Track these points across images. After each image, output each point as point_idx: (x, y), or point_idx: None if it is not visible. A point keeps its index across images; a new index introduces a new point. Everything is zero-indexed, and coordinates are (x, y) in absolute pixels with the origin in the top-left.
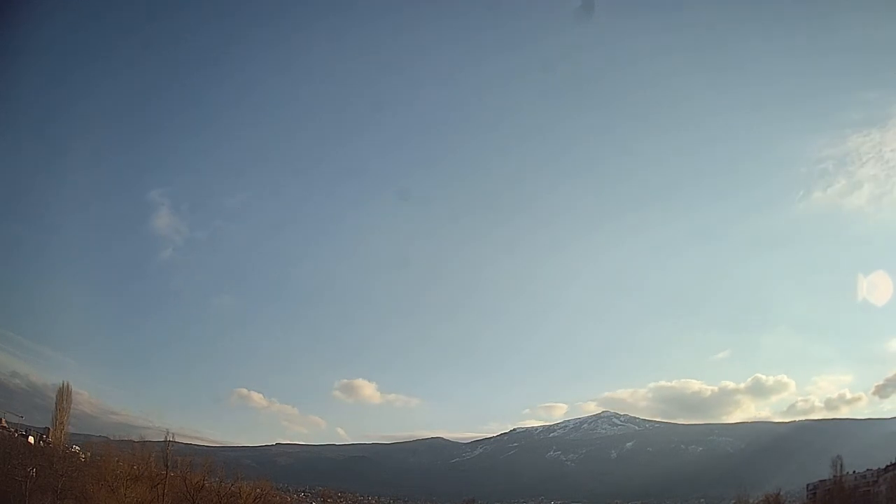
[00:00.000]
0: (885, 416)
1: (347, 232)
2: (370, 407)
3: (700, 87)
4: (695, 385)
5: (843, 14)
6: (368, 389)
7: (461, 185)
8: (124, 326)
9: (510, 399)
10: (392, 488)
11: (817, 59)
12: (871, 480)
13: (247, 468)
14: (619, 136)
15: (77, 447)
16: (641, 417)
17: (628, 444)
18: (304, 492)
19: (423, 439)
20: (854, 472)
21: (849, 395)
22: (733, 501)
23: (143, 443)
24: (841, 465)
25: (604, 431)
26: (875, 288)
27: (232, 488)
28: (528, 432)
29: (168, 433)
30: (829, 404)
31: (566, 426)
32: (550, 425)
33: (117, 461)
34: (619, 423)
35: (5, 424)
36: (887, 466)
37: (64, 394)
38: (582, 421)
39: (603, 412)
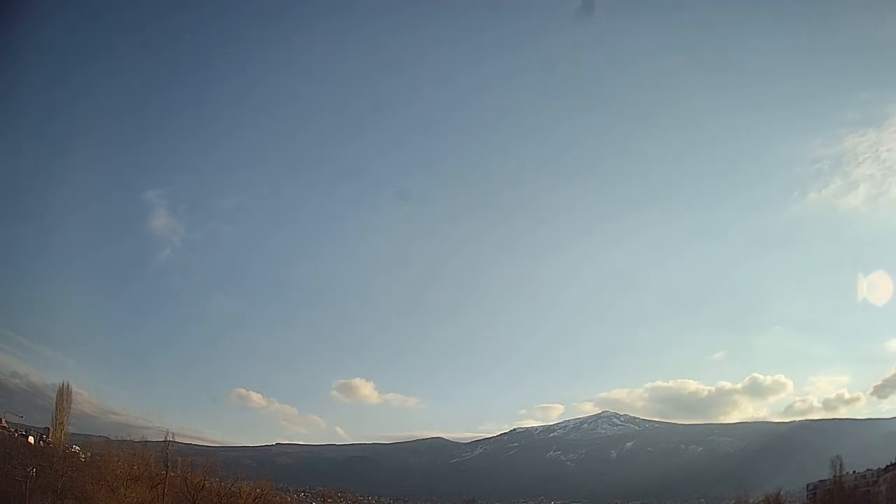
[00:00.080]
0: (884, 416)
1: (347, 232)
2: (368, 407)
3: (699, 88)
4: (691, 385)
5: (841, 14)
6: (366, 389)
7: (461, 185)
8: (124, 326)
9: (509, 399)
10: (392, 488)
11: (815, 59)
12: (871, 480)
13: (247, 468)
14: (619, 136)
15: (77, 447)
16: (641, 417)
17: (628, 444)
18: (304, 492)
19: (422, 439)
20: (854, 472)
21: (847, 396)
22: (733, 501)
23: (144, 443)
24: (841, 465)
25: (604, 431)
26: (875, 288)
27: (232, 488)
28: (527, 432)
29: (168, 433)
30: (827, 404)
31: (566, 426)
32: (550, 425)
33: (117, 461)
34: (619, 423)
35: (5, 424)
36: (887, 466)
37: (64, 394)
38: (582, 421)
39: (603, 412)
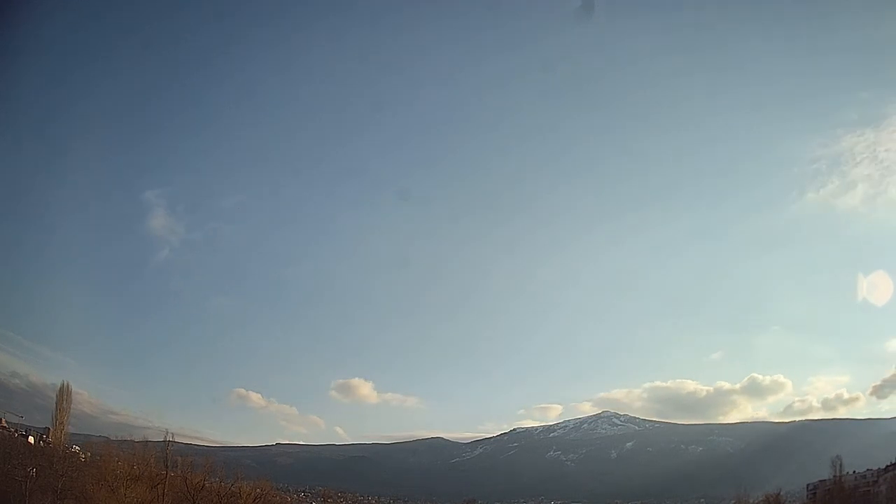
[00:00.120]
0: (884, 416)
1: (347, 232)
2: (367, 406)
3: (699, 88)
4: (690, 385)
5: (840, 14)
6: (365, 388)
7: (461, 185)
8: (124, 326)
9: (509, 399)
10: (392, 488)
11: (813, 59)
12: (871, 480)
13: (247, 468)
14: (619, 136)
15: (77, 447)
16: (641, 417)
17: (628, 444)
18: (304, 492)
19: (422, 439)
20: (854, 472)
21: (846, 396)
22: (733, 501)
23: (144, 443)
24: (841, 465)
25: (604, 431)
26: (875, 288)
27: (232, 488)
28: (527, 432)
29: (168, 433)
30: (827, 405)
31: (566, 426)
32: (550, 425)
33: (117, 461)
34: (619, 423)
35: (5, 424)
36: (887, 466)
37: (64, 394)
38: (582, 421)
39: (603, 412)
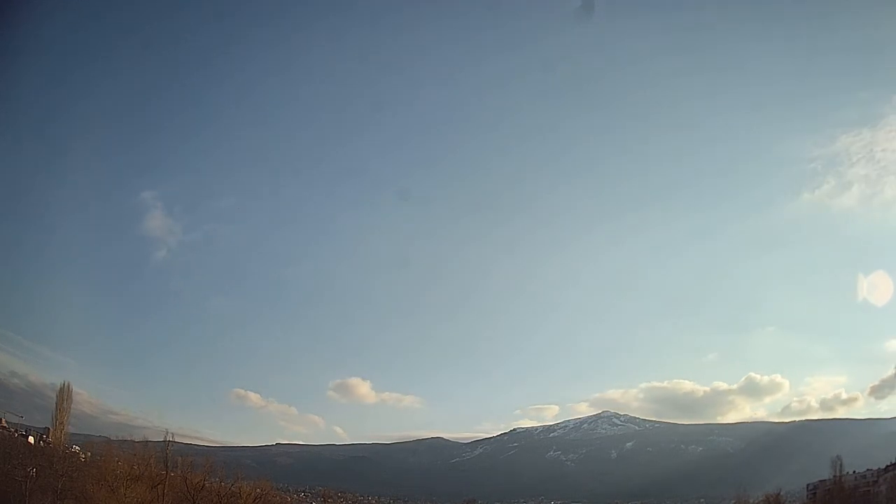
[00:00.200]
0: (884, 416)
1: (347, 232)
2: (366, 406)
3: (699, 88)
4: (687, 385)
5: (840, 14)
6: (363, 388)
7: (461, 185)
8: (124, 326)
9: (508, 399)
10: (392, 488)
11: (811, 59)
12: (871, 480)
13: (247, 468)
14: (619, 136)
15: (77, 447)
16: (641, 417)
17: (628, 444)
18: (304, 492)
19: (422, 439)
20: (854, 472)
21: (844, 396)
22: (733, 501)
23: (144, 443)
24: (841, 465)
25: (604, 431)
26: (875, 288)
27: (232, 488)
28: (527, 432)
29: (168, 433)
30: (825, 405)
31: (566, 426)
32: (550, 425)
33: (117, 461)
34: (618, 423)
35: (5, 424)
36: (887, 466)
37: (64, 394)
38: (582, 421)
39: (603, 412)
